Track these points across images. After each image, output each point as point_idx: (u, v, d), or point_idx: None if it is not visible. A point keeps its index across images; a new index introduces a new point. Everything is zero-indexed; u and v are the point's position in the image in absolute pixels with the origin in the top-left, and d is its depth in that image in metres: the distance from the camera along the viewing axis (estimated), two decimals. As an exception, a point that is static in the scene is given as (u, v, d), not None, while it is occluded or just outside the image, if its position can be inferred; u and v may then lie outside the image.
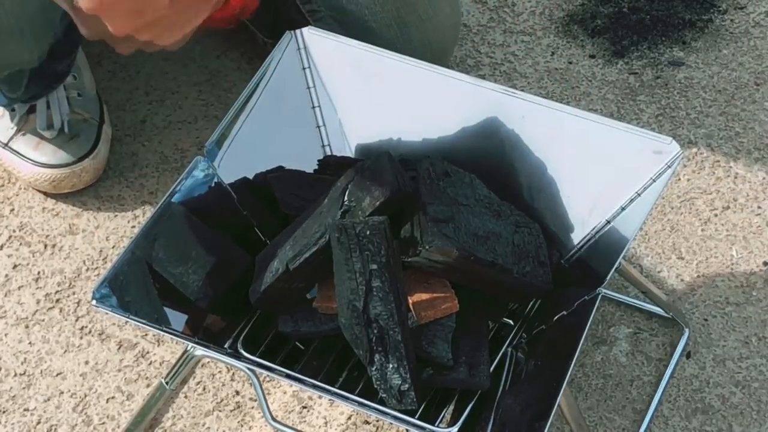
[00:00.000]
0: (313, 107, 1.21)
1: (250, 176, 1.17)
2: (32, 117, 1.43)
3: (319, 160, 1.21)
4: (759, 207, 1.42)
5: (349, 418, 1.24)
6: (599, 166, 1.11)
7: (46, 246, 1.39)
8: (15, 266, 1.38)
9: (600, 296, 1.04)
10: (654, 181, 1.07)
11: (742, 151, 1.48)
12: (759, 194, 1.43)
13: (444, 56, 1.41)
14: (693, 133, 1.50)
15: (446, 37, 1.39)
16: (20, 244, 1.40)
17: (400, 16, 1.35)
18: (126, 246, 1.08)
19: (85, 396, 1.27)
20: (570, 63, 1.59)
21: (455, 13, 1.40)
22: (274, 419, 1.15)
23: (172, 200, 1.11)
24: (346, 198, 1.09)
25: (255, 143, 1.17)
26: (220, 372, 1.28)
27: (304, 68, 1.20)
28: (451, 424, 1.02)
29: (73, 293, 1.35)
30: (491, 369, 1.06)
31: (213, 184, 1.14)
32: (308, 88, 1.21)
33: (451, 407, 1.07)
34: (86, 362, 1.30)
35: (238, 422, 1.24)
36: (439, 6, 1.37)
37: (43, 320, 1.33)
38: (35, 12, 1.22)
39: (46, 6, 1.23)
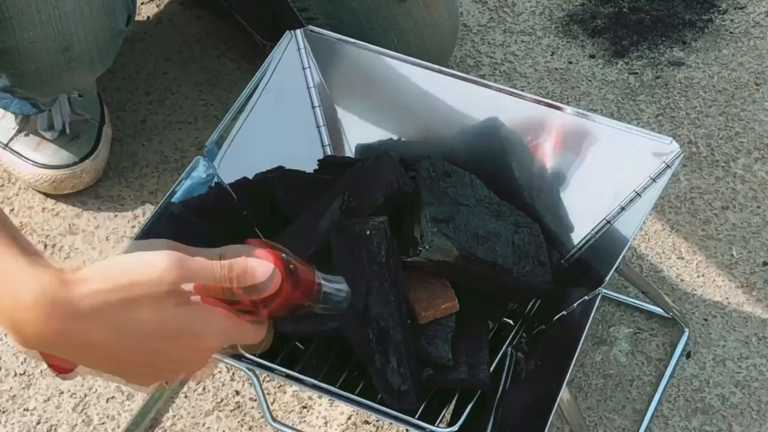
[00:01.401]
0: (313, 107, 1.21)
1: (250, 176, 1.17)
2: (33, 118, 1.43)
3: (319, 160, 1.21)
4: (758, 207, 1.42)
5: (349, 418, 1.24)
6: (599, 166, 1.11)
7: (46, 246, 1.39)
8: (15, 266, 1.38)
9: (600, 296, 1.04)
10: (654, 180, 1.07)
11: (742, 151, 1.48)
12: (758, 194, 1.43)
13: (442, 62, 1.41)
14: (693, 133, 1.50)
15: (444, 43, 1.39)
16: (20, 244, 1.40)
17: (396, 24, 1.35)
18: (126, 246, 1.08)
19: (85, 396, 1.27)
20: (570, 63, 1.59)
21: (453, 18, 1.39)
22: (274, 419, 1.15)
23: (172, 200, 1.11)
24: (346, 198, 1.09)
25: (255, 143, 1.17)
26: (220, 372, 1.28)
27: (304, 68, 1.20)
28: (451, 424, 1.02)
29: (73, 293, 1.35)
30: (491, 369, 1.06)
31: (213, 184, 1.14)
32: (308, 88, 1.21)
33: (451, 407, 1.07)
34: (86, 362, 1.30)
35: (238, 422, 1.24)
36: (437, 12, 1.36)
37: (43, 320, 1.33)
38: (107, 40, 1.25)
39: (116, 34, 1.25)
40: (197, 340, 0.79)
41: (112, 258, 0.78)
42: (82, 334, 0.75)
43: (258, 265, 0.81)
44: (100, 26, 1.23)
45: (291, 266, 0.83)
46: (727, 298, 1.34)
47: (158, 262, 0.77)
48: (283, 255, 0.83)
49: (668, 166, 1.06)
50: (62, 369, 0.80)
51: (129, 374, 0.81)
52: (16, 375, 1.29)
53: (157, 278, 0.76)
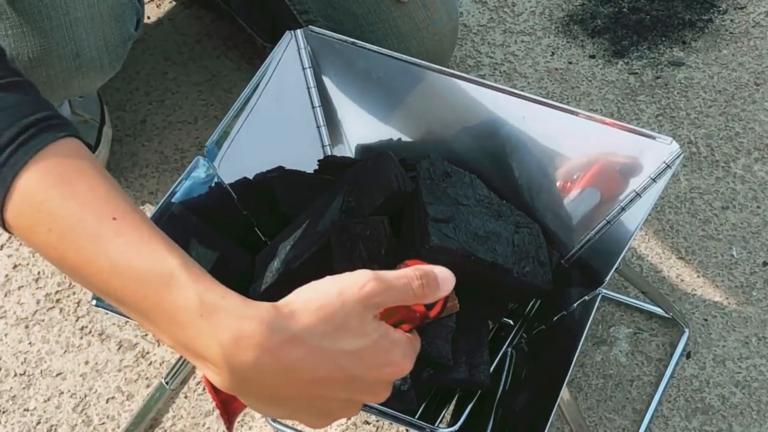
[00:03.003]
0: (313, 107, 1.21)
1: (250, 176, 1.17)
2: (32, 117, 1.43)
3: (319, 160, 1.21)
4: (758, 207, 1.42)
5: (349, 418, 1.24)
6: (599, 166, 1.11)
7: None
8: (15, 266, 1.38)
9: (600, 296, 1.04)
10: (654, 181, 1.07)
11: (742, 151, 1.48)
12: (758, 194, 1.43)
13: (442, 63, 1.41)
14: (693, 133, 1.50)
15: (444, 45, 1.39)
16: (20, 244, 1.40)
17: (396, 26, 1.35)
18: None
19: (85, 396, 1.27)
20: (570, 63, 1.59)
21: (453, 20, 1.39)
22: (274, 419, 1.15)
23: (172, 200, 1.11)
24: (346, 198, 1.09)
25: (255, 143, 1.17)
26: (220, 372, 1.28)
27: (304, 68, 1.20)
28: (451, 424, 1.02)
29: (73, 293, 1.35)
30: (491, 369, 1.06)
31: (213, 184, 1.14)
32: (308, 88, 1.21)
33: (451, 407, 1.07)
34: (86, 362, 1.30)
35: (238, 422, 1.24)
36: (437, 14, 1.37)
37: (43, 320, 1.33)
38: (117, 45, 1.25)
39: (125, 39, 1.25)
40: (397, 366, 0.79)
41: (312, 285, 0.78)
42: (295, 360, 0.74)
43: (440, 271, 0.82)
44: (110, 31, 1.23)
45: None
46: (727, 298, 1.34)
47: (360, 276, 0.77)
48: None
49: (668, 166, 1.07)
50: (233, 411, 0.80)
51: (320, 412, 0.80)
52: (16, 375, 1.29)
53: (365, 293, 0.76)
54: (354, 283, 0.77)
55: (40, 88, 1.23)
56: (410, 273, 0.80)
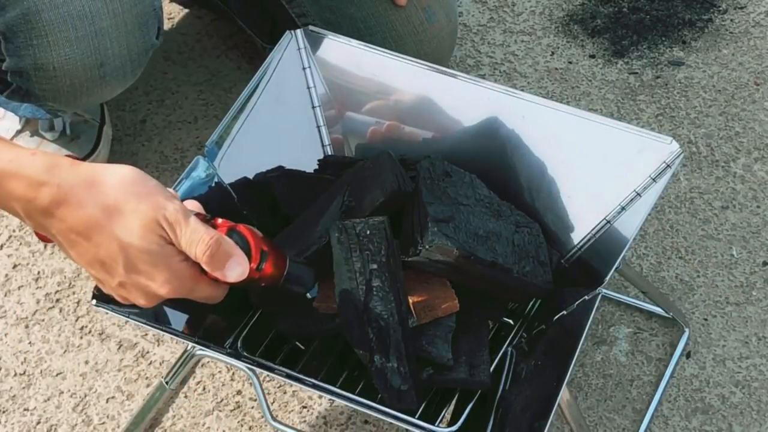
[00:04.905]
0: (313, 107, 1.21)
1: (250, 176, 1.17)
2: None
3: (319, 160, 1.21)
4: (758, 207, 1.42)
5: (349, 418, 1.24)
6: (599, 166, 1.11)
7: (45, 246, 1.40)
8: (15, 266, 1.38)
9: (600, 296, 1.04)
10: (654, 180, 1.07)
11: (741, 151, 1.48)
12: (758, 194, 1.43)
13: (441, 65, 1.41)
14: (693, 133, 1.50)
15: (443, 47, 1.39)
16: (20, 244, 1.40)
17: (394, 29, 1.35)
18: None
19: (85, 396, 1.27)
20: (570, 63, 1.59)
21: (451, 23, 1.39)
22: (274, 419, 1.15)
23: (172, 200, 1.11)
24: (346, 198, 1.09)
25: (255, 143, 1.17)
26: (220, 372, 1.28)
27: (304, 68, 1.20)
28: (451, 424, 1.02)
29: (73, 293, 1.35)
30: (491, 369, 1.06)
31: (213, 184, 1.14)
32: (308, 88, 1.21)
33: (451, 407, 1.07)
34: (86, 362, 1.30)
35: (238, 422, 1.24)
36: (435, 16, 1.36)
37: (43, 320, 1.33)
38: (140, 54, 1.25)
39: (148, 48, 1.25)
40: (150, 279, 0.91)
41: (139, 173, 0.91)
42: (63, 211, 0.89)
43: (235, 265, 0.91)
44: (134, 41, 1.23)
45: (265, 254, 0.94)
46: (727, 298, 1.34)
47: (176, 201, 0.90)
48: (263, 247, 0.94)
49: (668, 166, 1.07)
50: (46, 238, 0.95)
51: (89, 264, 0.92)
52: (16, 375, 1.29)
53: (163, 213, 0.89)
54: (169, 196, 0.90)
55: (63, 96, 1.25)
56: (207, 238, 0.90)
